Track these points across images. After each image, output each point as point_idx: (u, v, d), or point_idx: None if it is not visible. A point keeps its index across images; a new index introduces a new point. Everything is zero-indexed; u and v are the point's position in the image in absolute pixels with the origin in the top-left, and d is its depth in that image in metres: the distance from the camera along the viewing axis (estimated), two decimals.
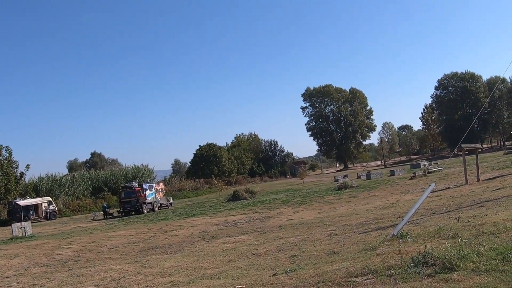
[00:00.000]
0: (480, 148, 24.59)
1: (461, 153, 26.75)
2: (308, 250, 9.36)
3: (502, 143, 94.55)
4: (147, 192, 36.46)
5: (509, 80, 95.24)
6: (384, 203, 19.90)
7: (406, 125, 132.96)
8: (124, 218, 32.63)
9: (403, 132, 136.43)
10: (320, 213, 20.22)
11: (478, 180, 22.73)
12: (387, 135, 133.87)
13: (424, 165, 45.83)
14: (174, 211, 33.81)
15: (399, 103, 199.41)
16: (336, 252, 8.12)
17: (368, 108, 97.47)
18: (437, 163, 46.94)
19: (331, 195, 28.57)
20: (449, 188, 22.20)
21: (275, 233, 14.92)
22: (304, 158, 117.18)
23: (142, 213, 33.99)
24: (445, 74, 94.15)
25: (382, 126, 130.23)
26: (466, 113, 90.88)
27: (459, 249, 5.33)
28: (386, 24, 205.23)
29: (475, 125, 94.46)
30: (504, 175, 23.38)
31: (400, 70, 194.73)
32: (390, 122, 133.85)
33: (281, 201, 29.02)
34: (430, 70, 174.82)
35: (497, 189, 16.44)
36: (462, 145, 23.10)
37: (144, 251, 14.87)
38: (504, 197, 12.58)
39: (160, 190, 40.09)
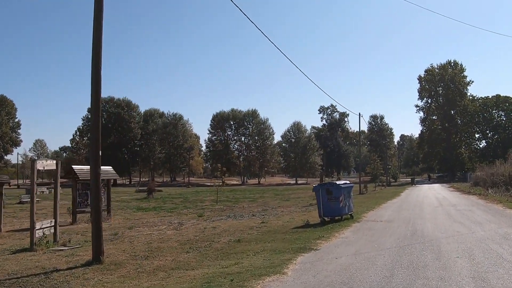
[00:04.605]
0: (7, 182, 17.88)
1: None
2: None
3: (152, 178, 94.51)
4: None
5: (167, 114, 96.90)
6: None
7: (68, 146, 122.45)
8: None
9: (64, 154, 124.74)
10: None
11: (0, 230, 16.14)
12: (37, 154, 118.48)
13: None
14: None
15: (64, 122, 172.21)
16: None
17: (16, 120, 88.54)
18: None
19: None
20: None
21: None
22: None
23: None
24: (101, 98, 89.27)
25: (34, 143, 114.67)
26: (116, 142, 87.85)
27: None
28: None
29: (125, 156, 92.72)
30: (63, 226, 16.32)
31: (52, 86, 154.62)
32: (43, 140, 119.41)
33: None
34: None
35: None
36: None
37: None
38: None
39: None
